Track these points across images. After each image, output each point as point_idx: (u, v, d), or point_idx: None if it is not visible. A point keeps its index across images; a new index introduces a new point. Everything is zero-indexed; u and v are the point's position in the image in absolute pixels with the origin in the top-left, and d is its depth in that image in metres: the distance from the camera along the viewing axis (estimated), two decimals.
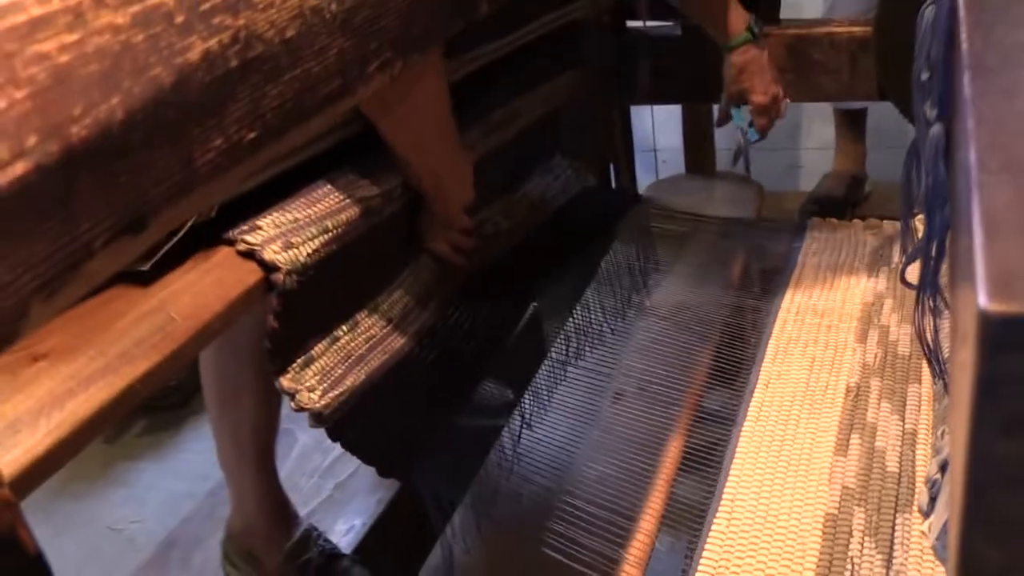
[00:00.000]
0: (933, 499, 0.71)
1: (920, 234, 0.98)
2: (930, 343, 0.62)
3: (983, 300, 0.24)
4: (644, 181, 2.25)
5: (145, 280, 0.80)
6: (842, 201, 2.19)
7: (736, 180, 2.05)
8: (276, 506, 1.35)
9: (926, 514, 0.71)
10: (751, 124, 1.53)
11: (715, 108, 2.18)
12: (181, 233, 0.79)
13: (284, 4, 0.48)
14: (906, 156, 0.79)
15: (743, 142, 1.57)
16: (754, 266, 1.33)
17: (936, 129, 0.56)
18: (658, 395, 1.15)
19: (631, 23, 1.82)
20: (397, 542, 1.38)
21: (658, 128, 2.71)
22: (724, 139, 2.30)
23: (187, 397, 2.14)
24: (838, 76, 1.73)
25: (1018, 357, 0.24)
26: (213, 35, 0.44)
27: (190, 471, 1.98)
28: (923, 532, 0.71)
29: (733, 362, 1.12)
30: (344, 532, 1.43)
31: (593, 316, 1.32)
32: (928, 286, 0.63)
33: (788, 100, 1.57)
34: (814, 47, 1.73)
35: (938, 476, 0.70)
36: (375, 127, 0.93)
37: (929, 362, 0.69)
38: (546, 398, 1.21)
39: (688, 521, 0.98)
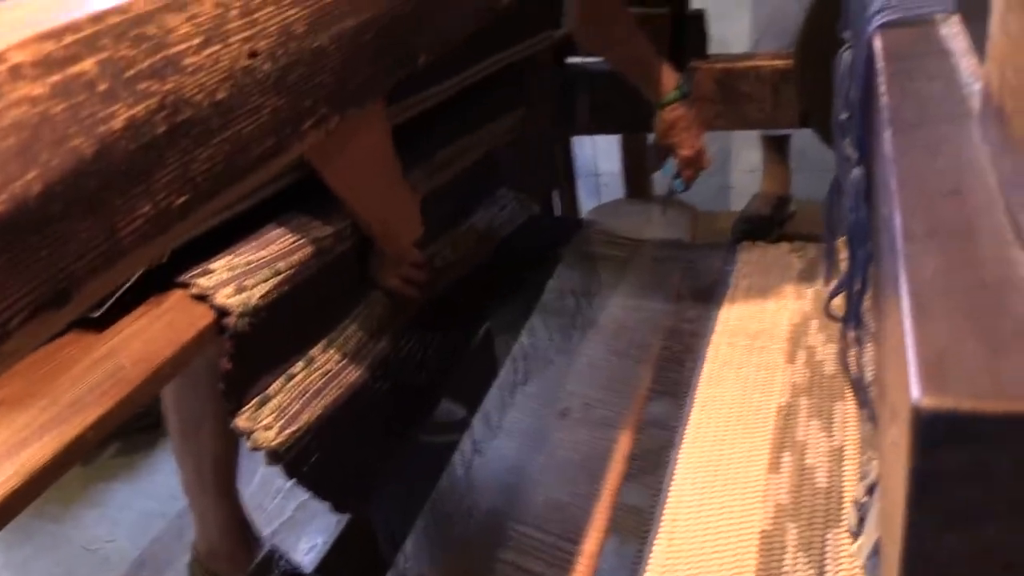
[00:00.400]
0: (862, 520, 0.69)
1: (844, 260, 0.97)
2: (854, 374, 0.60)
3: (917, 393, 0.21)
4: (588, 204, 2.23)
5: (97, 326, 0.76)
6: (770, 220, 2.19)
7: (673, 204, 2.03)
8: (239, 529, 1.30)
9: (855, 534, 0.69)
10: (677, 176, 1.54)
11: (651, 137, 2.18)
12: (133, 279, 0.75)
13: (215, 66, 0.45)
14: (829, 190, 0.77)
15: (669, 193, 1.58)
16: (690, 289, 1.31)
17: (857, 172, 0.54)
18: (601, 414, 1.13)
19: (570, 59, 1.81)
20: (358, 560, 1.34)
21: (599, 154, 2.69)
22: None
23: (159, 419, 2.08)
24: (763, 106, 1.73)
25: (955, 451, 0.21)
26: (139, 102, 0.40)
27: (162, 491, 1.92)
28: (855, 552, 0.69)
29: (672, 384, 1.09)
30: (306, 551, 1.39)
31: (539, 339, 1.30)
32: (852, 318, 0.61)
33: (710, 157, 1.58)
34: (740, 79, 1.72)
35: (866, 499, 0.67)
36: (319, 173, 0.89)
37: (855, 392, 0.66)
38: (495, 420, 1.18)
39: (634, 539, 0.95)
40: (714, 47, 1.77)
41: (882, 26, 0.51)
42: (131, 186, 0.40)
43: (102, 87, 0.39)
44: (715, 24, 1.78)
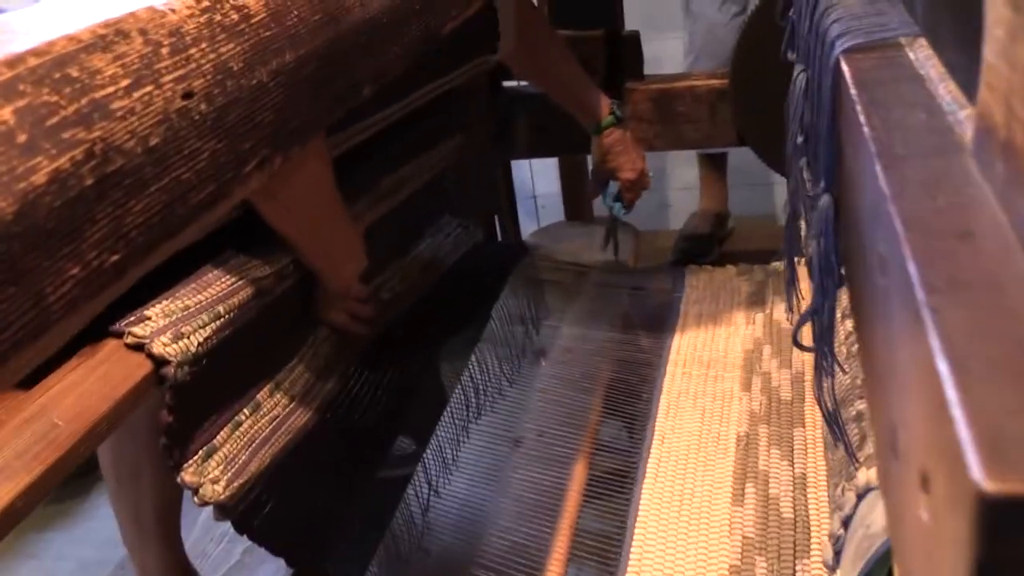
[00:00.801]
0: (838, 553, 0.66)
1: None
2: (828, 407, 0.58)
3: (979, 477, 0.19)
4: (526, 227, 2.20)
5: (25, 382, 0.70)
6: (710, 238, 2.19)
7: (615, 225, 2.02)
8: None
9: (832, 568, 0.67)
10: (618, 199, 1.52)
11: (589, 159, 2.17)
12: None
13: (146, 110, 0.41)
14: (788, 215, 0.76)
15: (611, 219, 1.56)
16: (639, 316, 1.29)
17: (825, 200, 0.52)
18: (555, 445, 1.10)
19: (505, 83, 1.79)
20: None
21: (536, 175, 2.68)
22: None
23: (93, 463, 2.00)
24: (700, 125, 1.72)
25: (1020, 540, 0.19)
26: (63, 153, 0.36)
27: (99, 538, 1.84)
28: None
29: (629, 418, 1.06)
30: None
31: (489, 367, 1.26)
32: (822, 348, 0.59)
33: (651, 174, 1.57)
34: (677, 99, 1.72)
35: (841, 532, 0.65)
36: (260, 213, 0.85)
37: (828, 424, 0.64)
38: (448, 453, 1.14)
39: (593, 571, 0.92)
40: (647, 68, 1.76)
41: (846, 50, 0.49)
42: (58, 247, 0.36)
43: (21, 138, 0.35)
44: (648, 45, 1.78)
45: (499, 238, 1.79)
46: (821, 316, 0.58)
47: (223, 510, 0.78)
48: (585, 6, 1.71)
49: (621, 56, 1.73)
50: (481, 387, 1.17)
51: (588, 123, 1.50)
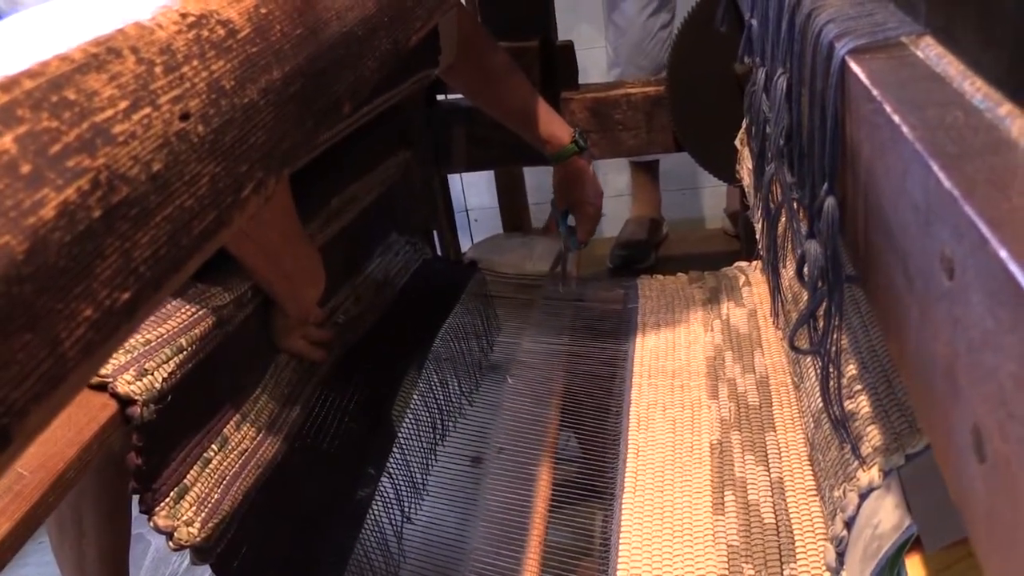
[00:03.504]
0: (840, 555, 0.66)
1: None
2: (836, 411, 0.57)
3: None
4: (461, 241, 2.19)
5: None
6: (646, 244, 2.20)
7: (553, 236, 2.01)
8: None
9: (835, 571, 0.66)
10: (571, 230, 1.49)
11: (526, 170, 2.16)
12: None
13: (147, 133, 0.38)
14: (770, 218, 0.75)
15: (564, 250, 1.53)
16: (596, 328, 1.27)
17: (830, 202, 0.51)
18: (516, 462, 1.08)
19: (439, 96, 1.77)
20: None
21: (467, 189, 2.66)
22: (536, 196, 2.28)
23: None
24: (637, 132, 1.73)
25: None
26: (69, 183, 0.33)
27: None
28: None
29: (600, 434, 1.05)
30: None
31: (449, 386, 1.24)
32: (822, 352, 0.59)
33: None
34: (613, 108, 1.73)
35: (844, 533, 0.64)
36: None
37: (835, 426, 0.64)
38: (404, 475, 1.11)
39: None
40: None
41: (852, 51, 0.49)
42: (71, 287, 0.32)
43: (25, 168, 0.32)
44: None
45: (439, 253, 1.77)
46: (829, 322, 0.57)
47: (200, 553, 0.73)
48: (518, 16, 1.70)
49: (556, 66, 1.73)
50: (441, 407, 1.15)
51: (546, 151, 1.47)
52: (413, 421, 1.08)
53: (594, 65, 2.22)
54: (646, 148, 1.76)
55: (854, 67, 0.47)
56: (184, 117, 0.41)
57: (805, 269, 0.59)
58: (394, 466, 1.03)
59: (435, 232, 1.82)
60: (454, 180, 2.62)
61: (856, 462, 0.65)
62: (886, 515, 0.60)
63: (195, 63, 0.43)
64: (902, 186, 0.38)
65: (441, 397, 1.15)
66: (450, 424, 1.13)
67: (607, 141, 1.74)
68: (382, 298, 1.20)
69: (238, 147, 0.45)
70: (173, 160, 0.40)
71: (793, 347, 0.66)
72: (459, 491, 1.10)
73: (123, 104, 0.37)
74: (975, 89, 0.40)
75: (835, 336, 0.57)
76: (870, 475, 0.62)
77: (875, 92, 0.43)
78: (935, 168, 0.34)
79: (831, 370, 0.56)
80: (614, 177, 2.49)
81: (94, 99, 0.36)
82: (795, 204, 0.66)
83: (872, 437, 0.64)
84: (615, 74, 2.14)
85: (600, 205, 1.51)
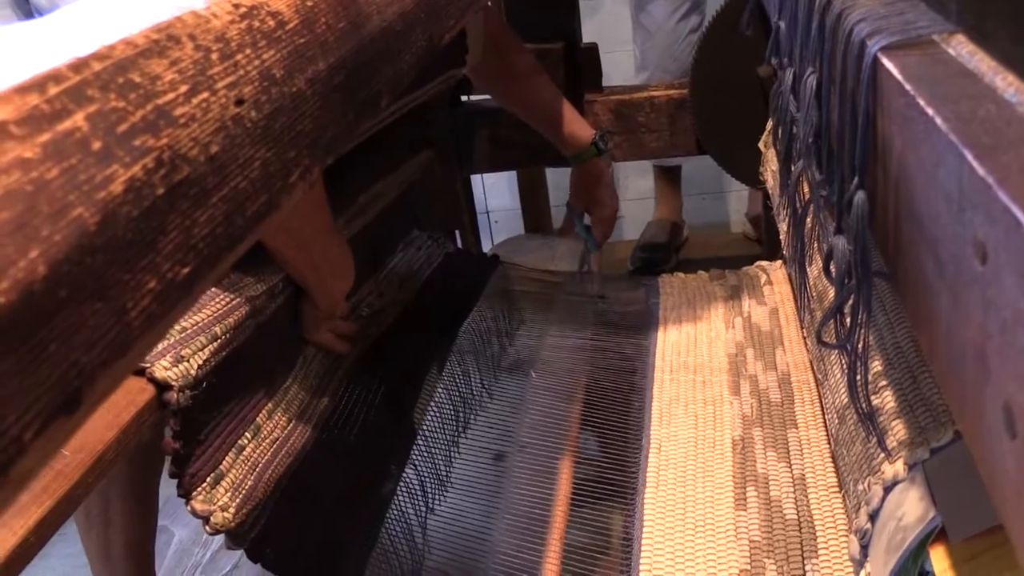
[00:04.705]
0: (864, 548, 0.67)
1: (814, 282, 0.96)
2: (863, 405, 0.58)
3: None
4: (481, 244, 2.20)
5: None
6: (666, 247, 2.21)
7: (572, 237, 2.02)
8: None
9: (859, 564, 0.67)
10: (588, 230, 1.51)
11: (548, 171, 2.17)
12: None
13: (205, 116, 0.39)
14: (799, 216, 0.76)
15: (585, 250, 1.55)
16: (619, 325, 1.29)
17: (861, 196, 0.52)
18: (538, 460, 1.09)
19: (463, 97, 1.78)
20: None
21: (488, 190, 2.68)
22: (558, 198, 2.29)
23: None
24: (660, 135, 1.74)
25: None
26: (136, 160, 0.35)
27: None
28: None
29: (622, 429, 1.06)
30: None
31: (467, 382, 1.25)
32: (851, 349, 0.59)
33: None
34: (637, 110, 1.74)
35: (868, 526, 0.65)
36: None
37: (863, 420, 0.65)
38: (428, 466, 1.13)
39: None
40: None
41: (884, 48, 0.50)
42: (137, 259, 0.34)
43: (96, 145, 0.33)
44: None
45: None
46: (856, 316, 0.58)
47: (235, 538, 0.75)
48: (543, 19, 1.72)
49: (579, 68, 1.74)
50: (464, 399, 1.16)
51: (567, 151, 1.48)
52: (436, 413, 1.09)
53: (615, 68, 2.23)
54: (669, 151, 1.77)
55: (886, 63, 0.48)
56: (239, 103, 0.43)
57: (832, 265, 0.60)
58: (418, 458, 1.04)
59: (457, 232, 1.84)
60: (475, 182, 2.64)
61: (880, 456, 0.66)
62: (910, 507, 0.61)
63: (248, 51, 0.45)
64: (934, 177, 0.39)
65: (464, 389, 1.16)
66: (472, 417, 1.15)
67: (630, 143, 1.75)
68: (405, 292, 1.22)
69: (287, 134, 0.47)
70: (229, 143, 0.41)
71: (820, 342, 0.67)
72: (482, 486, 1.11)
73: (183, 88, 0.39)
74: (1007, 84, 0.41)
75: (863, 331, 0.58)
76: (895, 468, 0.63)
77: (908, 87, 0.44)
78: (969, 158, 0.35)
79: (858, 365, 0.57)
80: (635, 181, 2.50)
81: (157, 82, 0.38)
82: (822, 202, 0.67)
83: (897, 431, 0.65)
84: (643, 78, 2.15)
85: (616, 208, 1.52)
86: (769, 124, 1.36)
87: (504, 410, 1.21)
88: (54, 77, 0.34)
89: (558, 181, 2.23)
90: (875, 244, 0.55)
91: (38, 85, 0.33)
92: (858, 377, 0.58)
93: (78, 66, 0.35)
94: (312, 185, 0.50)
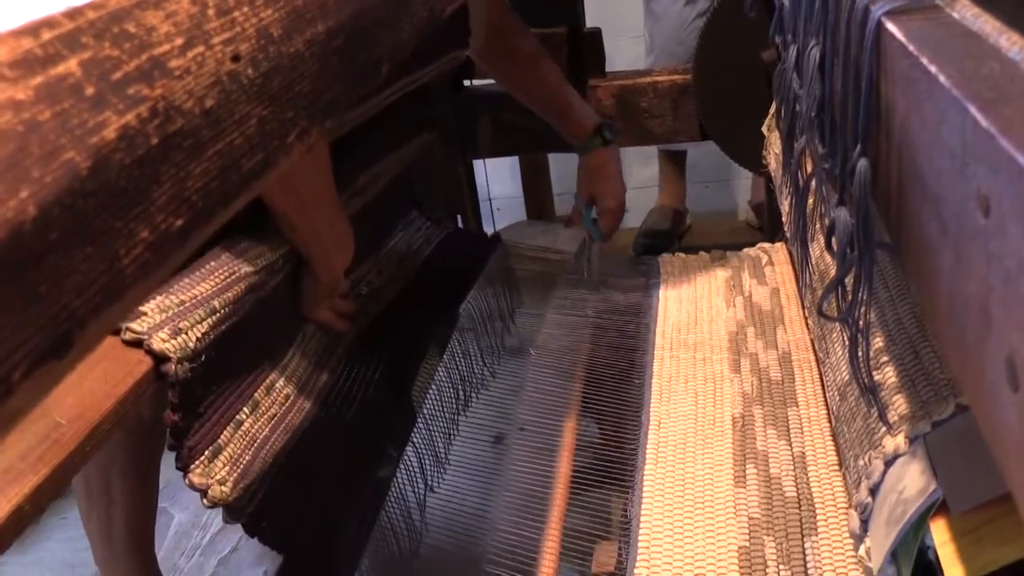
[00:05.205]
0: (864, 522, 0.66)
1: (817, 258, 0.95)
2: (865, 378, 0.58)
3: None
4: (485, 229, 2.20)
5: None
6: (669, 234, 2.21)
7: (576, 227, 2.01)
8: None
9: (859, 538, 0.67)
10: (595, 222, 1.49)
11: (551, 157, 2.16)
12: None
13: (201, 70, 0.39)
14: (800, 191, 0.75)
15: (588, 241, 1.53)
16: (620, 304, 1.28)
17: (863, 163, 0.52)
18: (538, 438, 1.08)
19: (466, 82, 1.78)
20: None
21: (491, 177, 2.67)
22: (560, 186, 2.28)
23: None
24: (663, 120, 1.74)
25: None
26: (130, 108, 0.34)
27: (55, 561, 1.78)
28: (861, 557, 0.67)
29: (621, 405, 1.05)
30: None
31: (467, 361, 1.25)
32: (852, 322, 0.59)
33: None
34: (640, 95, 1.73)
35: (868, 500, 0.65)
36: (262, 196, 0.83)
37: (864, 392, 0.65)
38: (427, 445, 1.13)
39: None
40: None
41: (887, 13, 0.49)
42: (129, 207, 0.34)
43: (90, 90, 0.33)
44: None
45: None
46: (858, 288, 0.58)
47: (232, 512, 0.75)
48: (546, 3, 1.71)
49: (583, 53, 1.74)
50: (464, 377, 1.16)
51: (572, 140, 1.47)
52: (436, 392, 1.09)
53: (620, 55, 2.22)
54: (672, 136, 1.76)
55: (890, 27, 0.48)
56: (235, 59, 0.42)
57: (834, 240, 0.60)
58: (417, 437, 1.04)
59: (459, 218, 1.83)
60: (478, 169, 2.64)
61: (882, 431, 0.65)
62: (912, 481, 0.60)
63: (245, 9, 0.44)
64: (938, 135, 0.39)
65: (464, 369, 1.16)
66: (473, 396, 1.14)
67: (633, 128, 1.74)
68: (405, 270, 1.22)
69: (284, 93, 0.46)
70: (225, 99, 0.41)
71: (822, 315, 0.67)
72: (481, 467, 1.11)
73: (179, 40, 0.39)
74: (1011, 43, 0.41)
75: (864, 301, 0.57)
76: (896, 442, 0.63)
77: (912, 48, 0.43)
78: (973, 111, 0.34)
79: (860, 338, 0.57)
80: (639, 169, 2.50)
81: (152, 34, 0.37)
82: (824, 175, 0.66)
83: (898, 406, 0.65)
84: (650, 62, 2.14)
85: (623, 200, 1.50)
86: (772, 108, 1.35)
87: (504, 391, 1.21)
88: (48, 23, 0.33)
89: (561, 169, 2.22)
90: (877, 213, 0.55)
91: (32, 30, 0.32)
92: (859, 350, 0.58)
93: (72, 14, 0.35)
94: (310, 148, 0.50)
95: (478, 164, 2.65)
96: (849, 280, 0.60)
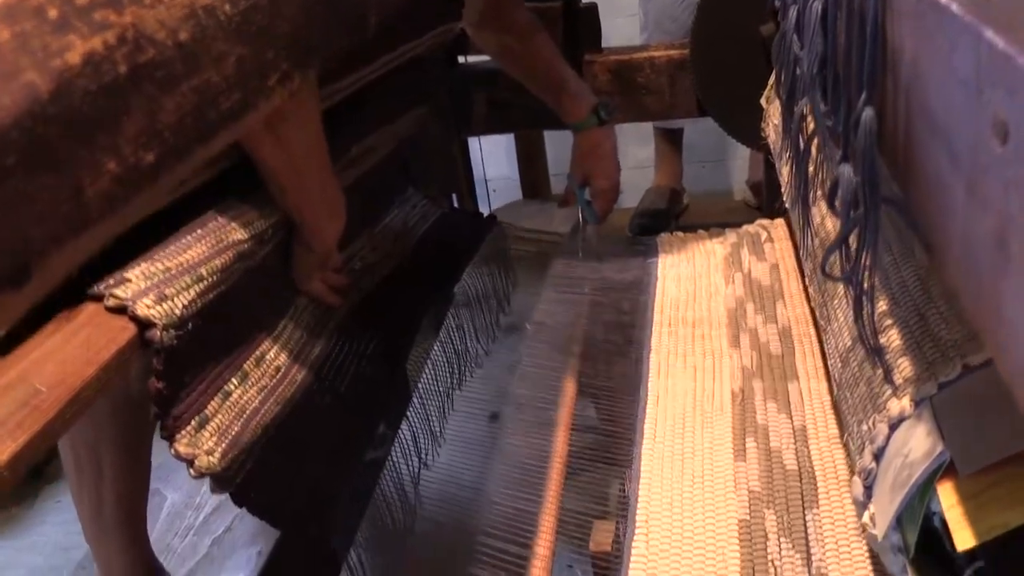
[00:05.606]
0: (868, 488, 0.65)
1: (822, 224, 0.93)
2: (870, 337, 0.56)
3: None
4: (481, 210, 2.18)
5: (1, 349, 0.65)
6: (666, 213, 2.19)
7: (571, 208, 2.00)
8: (148, 575, 1.19)
9: (863, 505, 0.65)
10: (589, 203, 1.47)
11: (547, 139, 2.14)
12: None
13: (174, 1, 0.37)
14: (801, 152, 0.74)
15: (581, 222, 1.51)
16: (617, 281, 1.26)
17: (868, 113, 0.50)
18: (535, 415, 1.07)
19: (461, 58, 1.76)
20: None
21: (487, 158, 2.65)
22: (557, 167, 2.26)
23: (38, 467, 1.91)
24: (660, 96, 1.72)
25: None
26: (96, 33, 0.32)
27: (49, 543, 1.77)
28: (865, 523, 0.65)
29: (619, 380, 1.04)
30: None
31: (462, 335, 1.23)
32: (856, 282, 0.57)
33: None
34: (636, 71, 1.71)
35: (873, 465, 0.63)
36: (252, 155, 0.81)
37: (871, 352, 0.63)
38: (422, 428, 1.11)
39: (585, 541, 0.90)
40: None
41: None
42: (95, 136, 0.32)
43: (52, 14, 0.31)
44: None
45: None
46: (863, 247, 0.56)
47: (220, 481, 0.73)
48: None
49: (579, 28, 1.72)
50: (459, 353, 1.14)
51: (566, 119, 1.45)
52: (431, 368, 1.08)
53: (616, 32, 2.20)
54: (669, 112, 1.75)
55: None
56: None
57: (838, 197, 0.58)
58: (412, 412, 1.02)
59: (454, 197, 1.82)
60: (473, 150, 2.62)
61: (886, 394, 0.64)
62: (917, 443, 0.59)
63: None
64: (949, 65, 0.37)
65: (459, 345, 1.14)
66: (468, 373, 1.13)
67: (629, 104, 1.72)
68: (400, 247, 1.20)
69: (264, 34, 0.44)
70: (200, 34, 0.39)
71: (825, 274, 0.65)
72: (477, 445, 1.10)
73: None
74: None
75: (870, 257, 0.55)
76: (901, 404, 0.61)
77: None
78: (988, 35, 0.33)
79: (864, 299, 0.55)
80: (635, 149, 2.48)
81: None
82: (828, 133, 0.64)
83: (903, 368, 0.63)
84: (644, 39, 2.12)
85: (617, 180, 1.49)
86: (771, 80, 1.33)
87: (500, 370, 1.20)
88: None
89: (557, 149, 2.20)
90: (882, 165, 0.53)
91: None
92: (865, 309, 0.56)
93: None
94: (293, 94, 0.48)
95: (474, 145, 2.63)
96: (853, 241, 0.58)
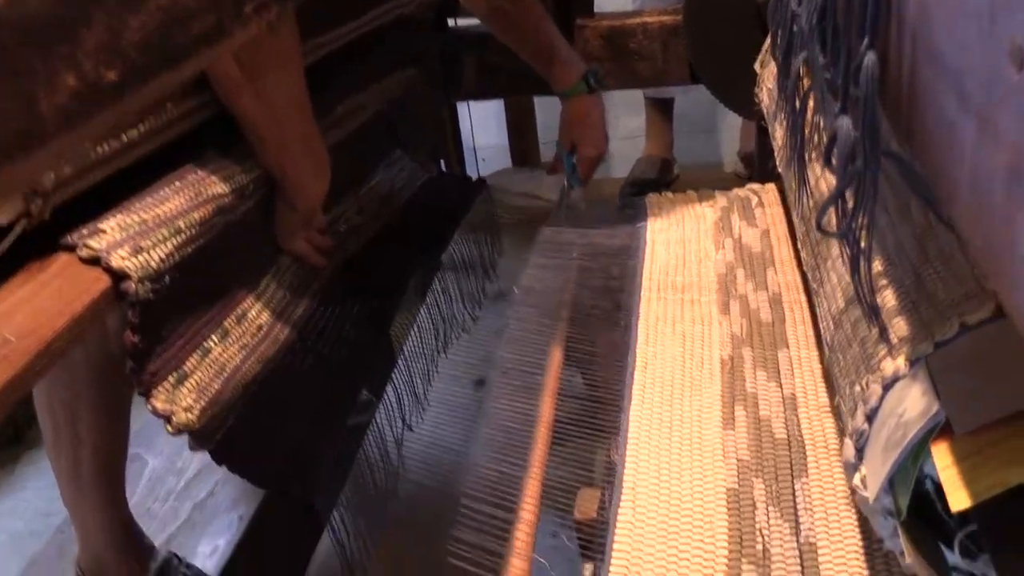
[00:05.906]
0: (860, 450, 0.63)
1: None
2: (867, 294, 0.54)
3: None
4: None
5: None
6: (656, 183, 2.17)
7: (560, 174, 1.98)
8: (126, 538, 1.17)
9: (854, 467, 0.64)
10: (575, 169, 1.46)
11: (536, 101, 2.12)
12: (9, 239, 0.62)
13: None
14: (797, 109, 0.72)
15: (566, 187, 1.49)
16: (606, 246, 1.24)
17: (871, 57, 0.48)
18: (521, 379, 1.05)
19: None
20: (266, 558, 1.23)
21: (476, 127, 2.62)
22: (547, 135, 2.24)
23: (19, 431, 1.89)
24: (652, 63, 1.69)
25: None
26: None
27: (30, 509, 1.75)
28: (856, 486, 0.63)
29: (607, 345, 1.02)
30: (208, 554, 1.26)
31: (447, 299, 1.22)
32: (850, 234, 0.56)
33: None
34: (629, 36, 1.68)
35: (865, 427, 0.62)
36: (231, 105, 0.78)
37: (867, 314, 0.61)
38: (407, 391, 1.09)
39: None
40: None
41: None
42: (52, 45, 0.29)
43: None
44: None
45: None
46: (861, 202, 0.54)
47: (199, 438, 0.71)
48: None
49: None
50: (445, 317, 1.12)
51: (555, 86, 1.43)
52: (417, 333, 1.06)
53: (610, 1, 2.17)
54: (661, 79, 1.72)
55: None
56: None
57: (835, 152, 0.56)
58: (397, 375, 1.01)
59: (442, 163, 1.79)
60: (463, 117, 2.59)
61: (880, 354, 0.62)
62: (912, 403, 0.57)
63: None
64: (958, 1, 0.35)
65: (445, 310, 1.12)
66: (453, 338, 1.11)
67: (621, 70, 1.70)
68: (387, 209, 1.18)
69: None
70: None
71: (821, 230, 0.63)
72: (463, 410, 1.08)
73: None
74: None
75: (869, 212, 0.54)
76: (896, 364, 0.60)
77: None
78: None
79: (860, 258, 0.53)
80: (626, 119, 2.45)
81: None
82: (826, 85, 0.63)
83: (899, 328, 0.61)
84: (636, 4, 2.10)
85: (603, 147, 1.48)
86: (766, 45, 1.31)
87: (487, 338, 1.18)
88: None
89: (547, 118, 2.18)
90: (882, 115, 0.51)
91: None
92: (861, 267, 0.54)
93: None
94: (271, 27, 0.46)
95: (463, 113, 2.60)
96: (850, 198, 0.56)
